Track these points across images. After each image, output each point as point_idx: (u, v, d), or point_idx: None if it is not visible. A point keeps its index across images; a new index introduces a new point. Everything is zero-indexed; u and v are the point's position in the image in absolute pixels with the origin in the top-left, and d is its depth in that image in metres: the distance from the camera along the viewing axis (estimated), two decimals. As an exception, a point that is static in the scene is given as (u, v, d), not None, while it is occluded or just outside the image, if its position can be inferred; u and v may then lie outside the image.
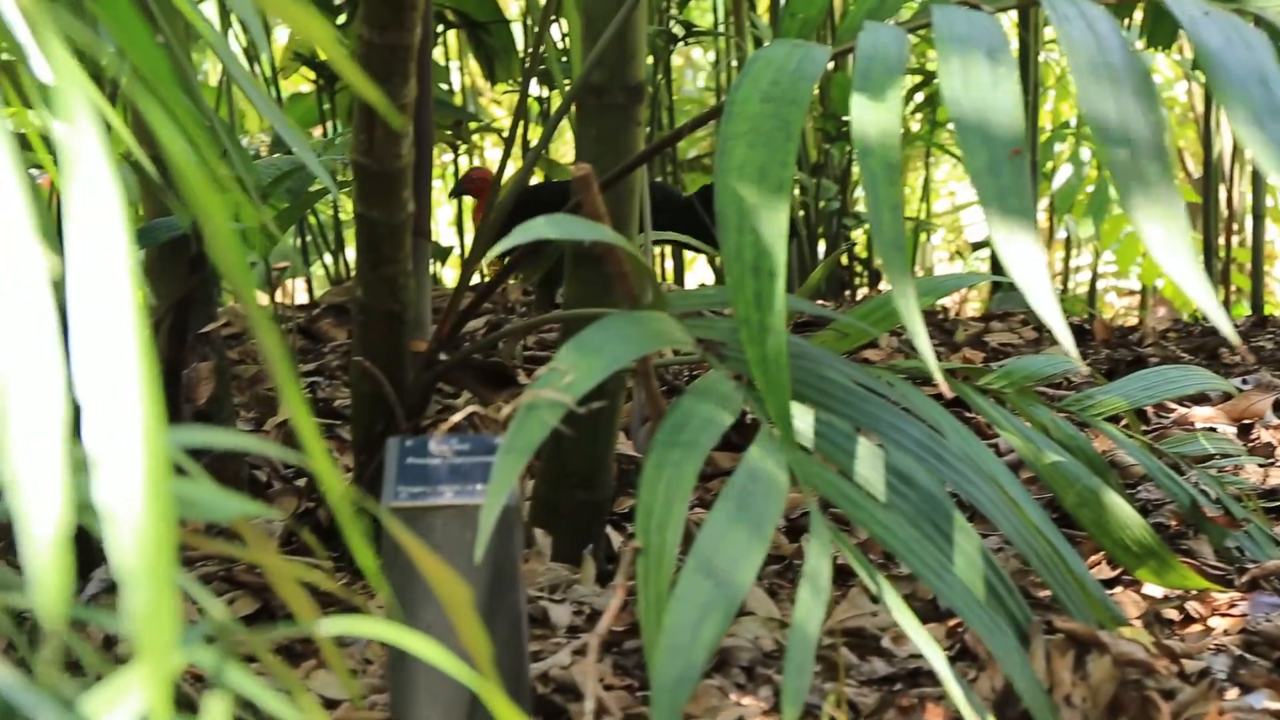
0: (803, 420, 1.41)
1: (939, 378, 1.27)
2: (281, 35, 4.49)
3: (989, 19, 1.44)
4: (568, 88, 3.04)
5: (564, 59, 3.36)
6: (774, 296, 1.28)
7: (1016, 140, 1.27)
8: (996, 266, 3.88)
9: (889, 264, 1.22)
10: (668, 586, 1.14)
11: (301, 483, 2.23)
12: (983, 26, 1.42)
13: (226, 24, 3.65)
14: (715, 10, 4.22)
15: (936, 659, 1.21)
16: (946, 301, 4.21)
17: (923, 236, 4.77)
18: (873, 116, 1.33)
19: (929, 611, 1.74)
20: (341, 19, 3.50)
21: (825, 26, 3.81)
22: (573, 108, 1.96)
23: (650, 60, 3.66)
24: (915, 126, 4.34)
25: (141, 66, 0.66)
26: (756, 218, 1.31)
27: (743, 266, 1.30)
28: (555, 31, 3.52)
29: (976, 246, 4.93)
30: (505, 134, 4.25)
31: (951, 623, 1.69)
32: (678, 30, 3.59)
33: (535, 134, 3.96)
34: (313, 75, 3.75)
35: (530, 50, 2.11)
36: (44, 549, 0.52)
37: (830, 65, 4.03)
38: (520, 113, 2.07)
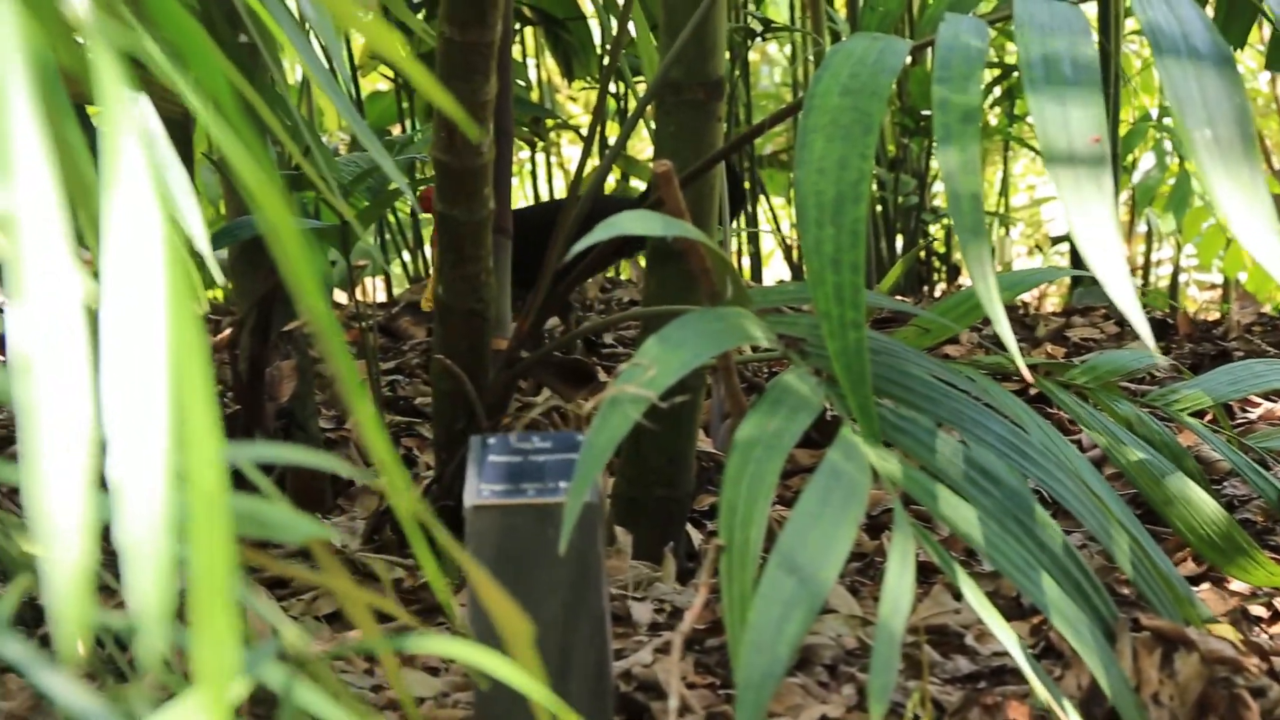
0: (886, 417, 1.41)
1: (1023, 368, 1.26)
2: (360, 34, 4.51)
3: (1070, 9, 1.43)
4: (643, 85, 3.04)
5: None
6: (854, 290, 1.28)
7: (1096, 128, 1.25)
8: (1076, 261, 3.86)
9: (969, 252, 1.21)
10: (751, 584, 1.13)
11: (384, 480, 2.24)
12: (1064, 16, 1.41)
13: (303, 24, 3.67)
14: (792, 5, 4.21)
15: (1020, 656, 1.21)
16: (1026, 297, 4.18)
17: (1001, 231, 4.73)
18: (953, 107, 1.32)
19: (1012, 609, 1.73)
20: (421, 15, 3.51)
21: (904, 21, 3.80)
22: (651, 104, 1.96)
23: (728, 56, 3.66)
24: (994, 120, 4.31)
25: (199, 74, 0.66)
26: (836, 211, 1.30)
27: (822, 260, 1.29)
28: (634, 28, 3.52)
29: (1055, 241, 4.90)
30: (583, 131, 4.26)
31: (1036, 620, 1.67)
32: (755, 26, 3.58)
33: (614, 131, 3.96)
34: (391, 73, 3.76)
35: (608, 47, 2.11)
36: (146, 576, 0.52)
37: (908, 60, 4.01)
38: (599, 109, 2.07)
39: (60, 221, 0.53)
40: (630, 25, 3.28)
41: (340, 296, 3.41)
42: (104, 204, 0.55)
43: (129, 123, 0.56)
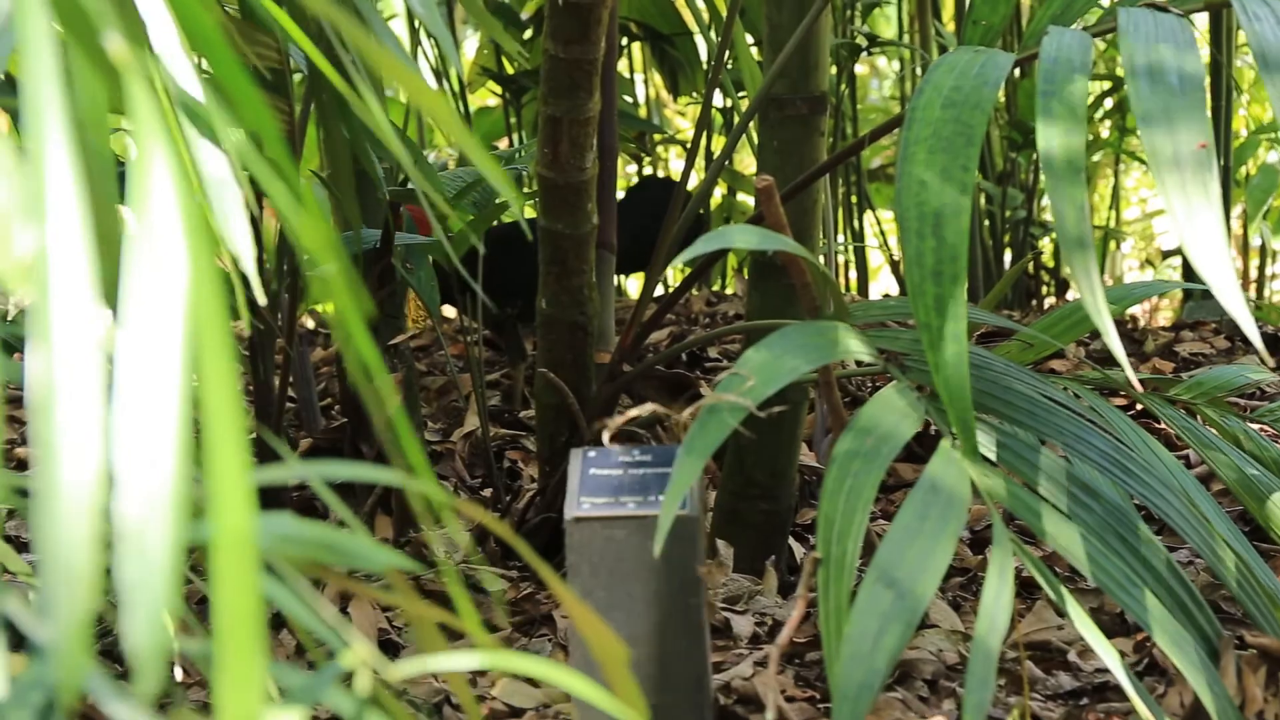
0: (985, 431, 1.40)
1: (1133, 379, 1.25)
2: (469, 49, 4.55)
3: (1176, 20, 1.42)
4: (747, 101, 3.04)
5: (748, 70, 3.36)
6: (955, 302, 1.27)
7: (1202, 135, 1.25)
8: (1189, 275, 3.81)
9: (1074, 263, 1.21)
10: (848, 596, 1.13)
11: (487, 493, 2.26)
12: (1169, 27, 1.41)
13: (416, 42, 3.71)
14: (900, 18, 4.19)
15: (1121, 673, 1.20)
16: (1136, 311, 4.13)
17: (1112, 245, 4.68)
18: (1057, 119, 1.32)
19: (1116, 625, 1.71)
20: (528, 34, 3.54)
21: (1012, 33, 3.77)
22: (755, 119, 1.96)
23: (834, 71, 3.65)
24: (1105, 133, 4.28)
25: (243, 112, 0.67)
26: (937, 223, 1.30)
27: (923, 271, 1.29)
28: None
29: (1167, 255, 4.84)
30: (689, 145, 4.26)
31: (1140, 636, 1.66)
32: (861, 41, 3.57)
33: (719, 145, 3.96)
34: (499, 89, 3.79)
35: (713, 62, 2.11)
36: (143, 617, 0.52)
37: (1017, 74, 3.99)
38: (702, 124, 2.08)
39: (86, 263, 0.54)
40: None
41: (449, 311, 3.43)
42: (130, 234, 0.56)
43: (159, 153, 0.56)
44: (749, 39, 3.48)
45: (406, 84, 0.78)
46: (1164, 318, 4.60)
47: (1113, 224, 4.64)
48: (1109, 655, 1.20)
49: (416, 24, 3.64)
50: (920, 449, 2.04)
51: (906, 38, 4.02)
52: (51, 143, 0.54)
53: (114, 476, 0.54)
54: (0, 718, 0.57)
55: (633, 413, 1.18)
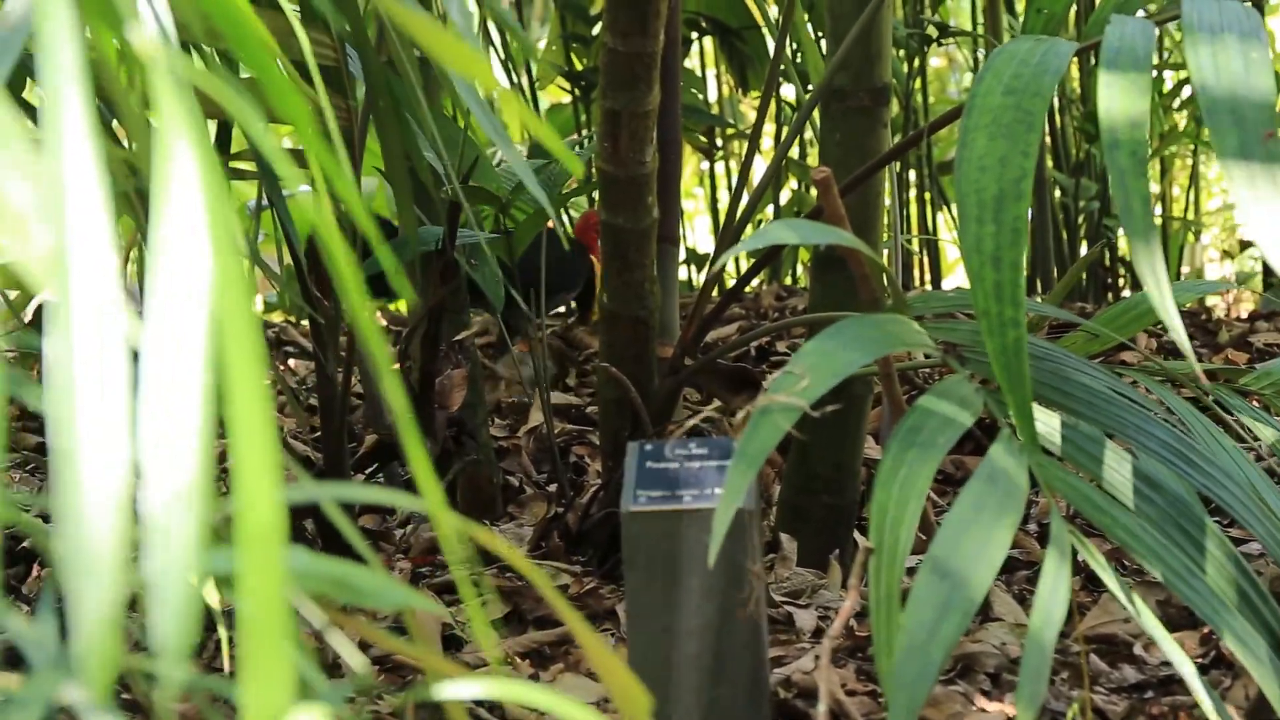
0: (1046, 423, 1.39)
1: (1196, 369, 1.24)
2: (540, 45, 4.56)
3: (1240, 6, 1.40)
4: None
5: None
6: (1014, 288, 1.26)
7: (1270, 123, 1.23)
8: (1270, 268, 3.76)
9: (1138, 254, 1.19)
10: (898, 584, 1.13)
11: (552, 489, 2.26)
12: (1234, 13, 1.39)
13: (488, 39, 3.72)
14: (973, 9, 4.16)
15: (1184, 666, 1.18)
16: (1214, 301, 4.09)
17: (1190, 236, 4.63)
18: (1120, 108, 1.30)
19: (1184, 619, 1.69)
20: (597, 29, 3.54)
21: (1084, 21, 3.74)
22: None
23: (904, 63, 3.63)
24: (1181, 123, 4.23)
25: (279, 102, 0.67)
26: (997, 208, 1.29)
27: (982, 258, 1.28)
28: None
29: (1246, 245, 4.78)
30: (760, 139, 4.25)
31: (1205, 629, 1.64)
32: (931, 31, 3.55)
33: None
34: (568, 85, 3.79)
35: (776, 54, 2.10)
36: (169, 612, 0.52)
37: (1093, 63, 3.95)
38: (761, 116, 2.07)
39: (113, 259, 0.54)
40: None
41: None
42: (152, 230, 0.55)
43: (184, 146, 0.56)
44: (816, 32, 3.46)
45: (464, 65, 0.78)
46: (1246, 309, 4.55)
47: (1191, 215, 4.59)
48: (1172, 649, 1.19)
49: (485, 19, 3.64)
50: (988, 441, 2.02)
51: (981, 29, 3.99)
52: (71, 134, 0.54)
53: (138, 470, 0.54)
54: None
55: (692, 422, 1.17)
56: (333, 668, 1.58)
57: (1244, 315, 3.76)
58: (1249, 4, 1.44)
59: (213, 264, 0.54)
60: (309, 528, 1.99)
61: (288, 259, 2.03)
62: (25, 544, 2.07)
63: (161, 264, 0.55)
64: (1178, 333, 1.14)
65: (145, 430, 0.54)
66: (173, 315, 0.54)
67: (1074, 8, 3.57)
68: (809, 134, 3.78)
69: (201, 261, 0.54)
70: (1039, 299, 3.15)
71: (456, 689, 0.66)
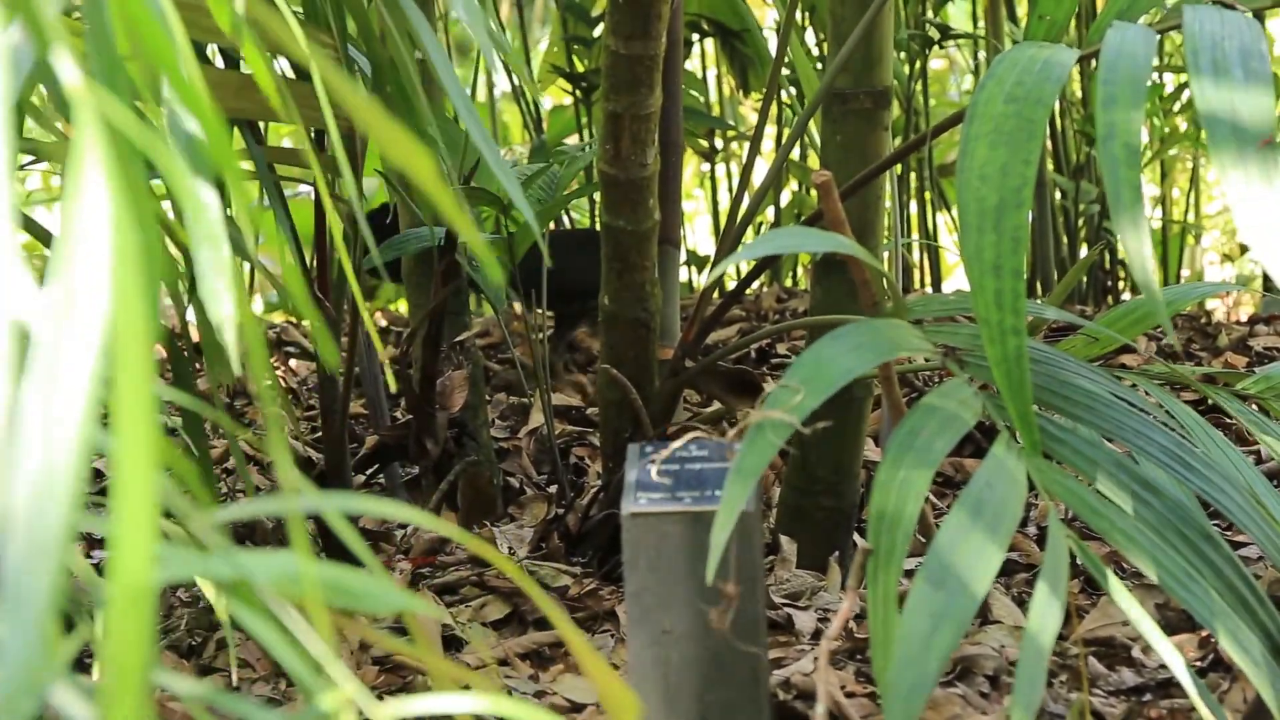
0: (1045, 427, 1.39)
1: (1189, 374, 1.24)
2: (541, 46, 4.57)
3: (1242, 17, 1.41)
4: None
5: (818, 66, 3.35)
6: (1015, 296, 1.27)
7: (1266, 131, 1.23)
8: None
9: (1129, 243, 1.20)
10: (895, 586, 1.13)
11: (553, 490, 2.26)
12: (1235, 24, 1.39)
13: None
14: (974, 12, 4.16)
15: (1180, 668, 1.19)
16: (1214, 305, 4.09)
17: (1190, 239, 4.64)
18: (1117, 109, 1.31)
19: (1182, 622, 1.70)
20: (598, 31, 3.54)
21: (1086, 28, 3.74)
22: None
23: (906, 65, 3.64)
24: (1183, 126, 4.23)
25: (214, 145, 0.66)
26: (997, 217, 1.30)
27: (983, 266, 1.28)
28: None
29: (1245, 249, 4.78)
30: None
31: (1204, 633, 1.65)
32: (933, 33, 3.56)
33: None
34: (569, 87, 3.80)
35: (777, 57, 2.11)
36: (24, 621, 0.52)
37: (1094, 68, 3.94)
38: (763, 118, 2.08)
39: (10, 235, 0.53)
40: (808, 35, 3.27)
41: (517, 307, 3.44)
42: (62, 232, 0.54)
43: (93, 152, 0.55)
44: (818, 34, 3.47)
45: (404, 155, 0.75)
46: (1246, 312, 4.55)
47: (1191, 218, 4.59)
48: (1168, 651, 1.19)
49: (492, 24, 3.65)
50: (989, 445, 2.03)
51: (981, 32, 3.99)
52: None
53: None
54: None
55: (688, 436, 1.18)
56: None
57: (1243, 318, 3.76)
58: (1249, 14, 1.44)
59: (110, 299, 0.53)
60: (309, 528, 1.99)
61: (289, 259, 2.03)
62: None
63: (57, 287, 0.54)
64: (1148, 287, 1.14)
65: (24, 422, 0.53)
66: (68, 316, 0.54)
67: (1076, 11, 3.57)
68: (812, 130, 3.78)
69: (98, 295, 0.53)
70: (1039, 301, 3.15)
71: (441, 703, 0.65)
